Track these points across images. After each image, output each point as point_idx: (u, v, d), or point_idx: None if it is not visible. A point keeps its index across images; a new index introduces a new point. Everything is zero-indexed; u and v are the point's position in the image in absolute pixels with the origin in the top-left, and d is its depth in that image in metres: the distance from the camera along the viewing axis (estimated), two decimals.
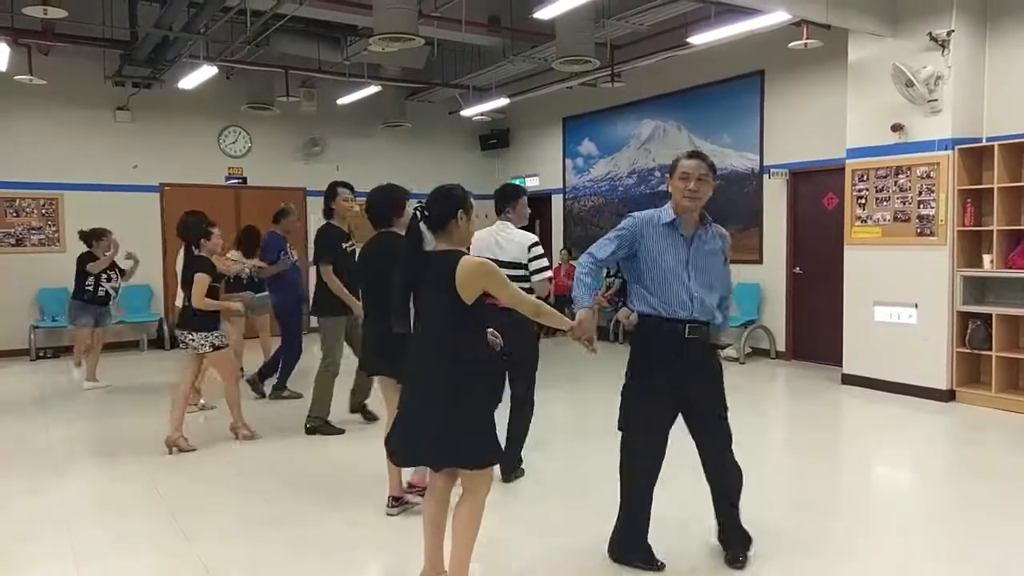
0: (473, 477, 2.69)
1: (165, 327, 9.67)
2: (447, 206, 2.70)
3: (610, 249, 3.01)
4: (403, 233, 3.73)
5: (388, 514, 3.74)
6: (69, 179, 9.32)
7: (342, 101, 10.29)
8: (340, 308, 5.15)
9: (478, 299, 2.63)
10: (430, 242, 2.72)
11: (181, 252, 5.82)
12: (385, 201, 3.89)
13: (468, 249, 3.07)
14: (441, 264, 2.63)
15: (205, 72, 8.40)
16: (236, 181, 10.47)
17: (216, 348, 5.00)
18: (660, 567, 3.04)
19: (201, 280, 4.86)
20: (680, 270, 2.97)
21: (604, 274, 9.72)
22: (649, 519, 3.10)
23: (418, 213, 2.71)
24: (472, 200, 2.80)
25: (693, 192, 2.93)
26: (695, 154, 3.03)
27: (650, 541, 3.10)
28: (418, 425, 2.64)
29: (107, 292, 7.00)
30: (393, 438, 2.79)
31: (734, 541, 3.13)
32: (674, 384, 2.99)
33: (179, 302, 5.78)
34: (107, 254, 6.90)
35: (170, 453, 4.85)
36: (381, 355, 3.69)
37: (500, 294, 2.65)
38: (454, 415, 2.57)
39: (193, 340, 4.97)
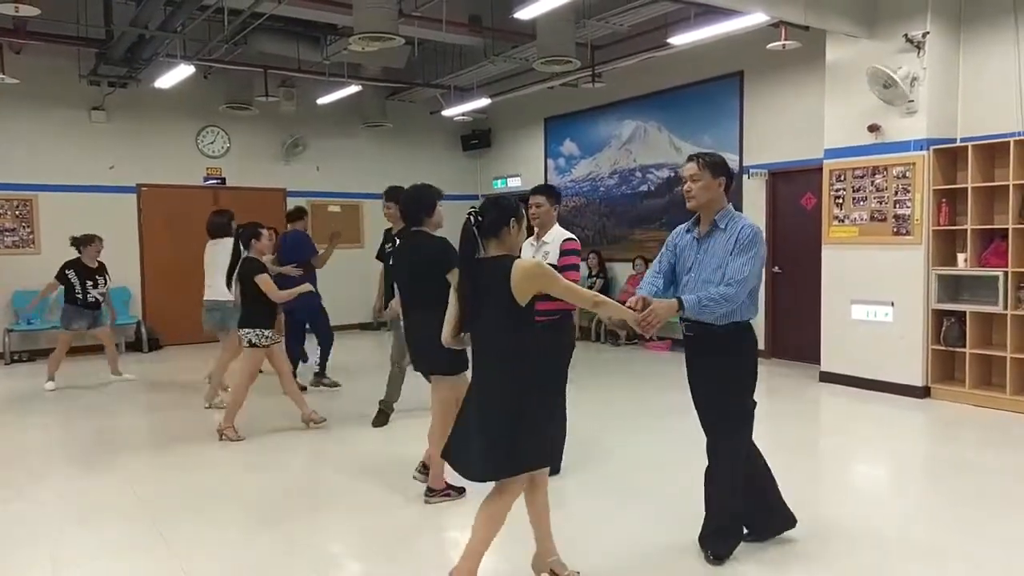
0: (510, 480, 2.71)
1: (143, 329, 9.56)
2: (501, 214, 2.76)
3: (657, 264, 3.28)
4: (433, 232, 3.83)
5: (414, 478, 3.96)
6: (43, 180, 9.17)
7: (322, 101, 10.23)
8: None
9: (531, 301, 2.69)
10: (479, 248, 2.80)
11: (208, 248, 6.32)
12: (417, 201, 3.91)
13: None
14: (495, 269, 2.68)
15: (182, 71, 8.31)
16: (214, 182, 10.36)
17: (252, 345, 5.19)
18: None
19: (265, 280, 5.15)
20: (686, 272, 3.13)
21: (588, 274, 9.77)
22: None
23: (472, 218, 2.75)
24: (523, 211, 2.86)
25: (687, 192, 3.10)
26: (692, 156, 3.13)
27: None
28: (475, 437, 2.67)
29: (96, 298, 7.12)
30: (453, 447, 2.80)
31: (710, 538, 3.18)
32: (690, 379, 3.20)
33: (209, 295, 6.17)
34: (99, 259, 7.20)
35: (308, 427, 5.42)
36: (417, 353, 3.88)
37: (554, 290, 2.71)
38: (512, 420, 2.62)
39: (241, 335, 5.27)
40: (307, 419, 5.49)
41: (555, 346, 4.00)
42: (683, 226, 3.25)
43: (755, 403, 3.13)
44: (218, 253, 6.00)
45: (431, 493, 3.91)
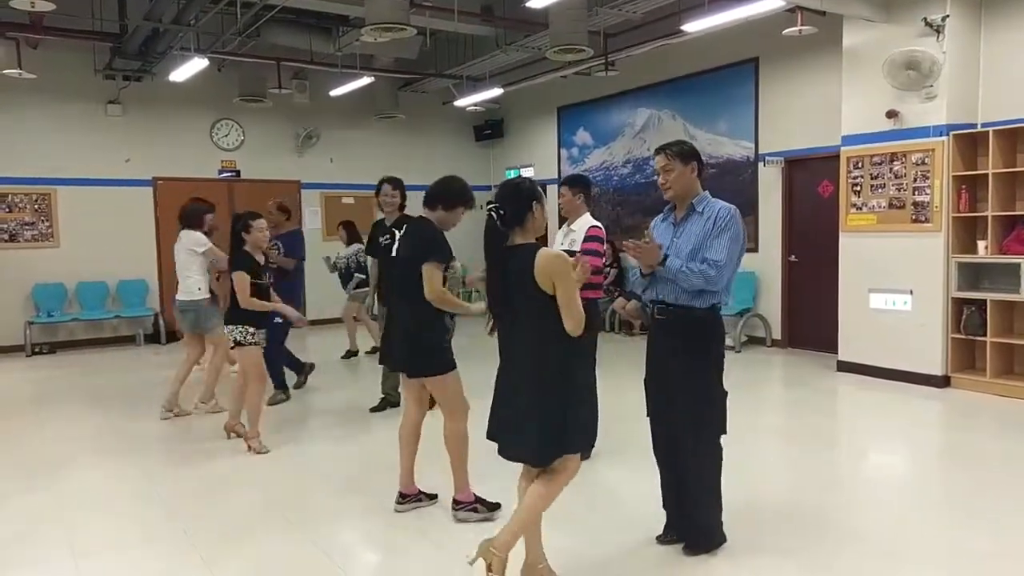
0: (562, 460, 2.69)
1: (161, 321, 9.64)
2: (522, 202, 2.73)
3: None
4: (432, 220, 3.60)
5: (396, 511, 3.69)
6: (61, 174, 9.26)
7: (335, 92, 10.24)
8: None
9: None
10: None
11: (180, 237, 5.80)
12: (444, 187, 3.61)
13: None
14: (521, 257, 2.66)
15: (196, 64, 8.34)
16: (229, 174, 10.42)
17: (237, 344, 4.70)
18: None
19: (240, 278, 4.58)
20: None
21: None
22: (673, 501, 3.21)
23: (493, 214, 2.71)
24: (540, 191, 2.82)
25: (662, 185, 3.14)
26: (658, 148, 3.15)
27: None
28: (522, 423, 2.67)
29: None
30: (491, 428, 2.80)
31: (683, 533, 3.18)
32: (654, 364, 3.16)
33: (181, 296, 5.75)
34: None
35: (228, 437, 5.01)
36: (399, 350, 3.62)
37: (561, 289, 2.63)
38: (559, 401, 2.62)
39: (225, 331, 4.82)
40: (229, 428, 5.03)
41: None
42: (659, 216, 3.27)
43: (726, 392, 3.09)
44: (184, 245, 5.59)
45: (458, 505, 3.57)
